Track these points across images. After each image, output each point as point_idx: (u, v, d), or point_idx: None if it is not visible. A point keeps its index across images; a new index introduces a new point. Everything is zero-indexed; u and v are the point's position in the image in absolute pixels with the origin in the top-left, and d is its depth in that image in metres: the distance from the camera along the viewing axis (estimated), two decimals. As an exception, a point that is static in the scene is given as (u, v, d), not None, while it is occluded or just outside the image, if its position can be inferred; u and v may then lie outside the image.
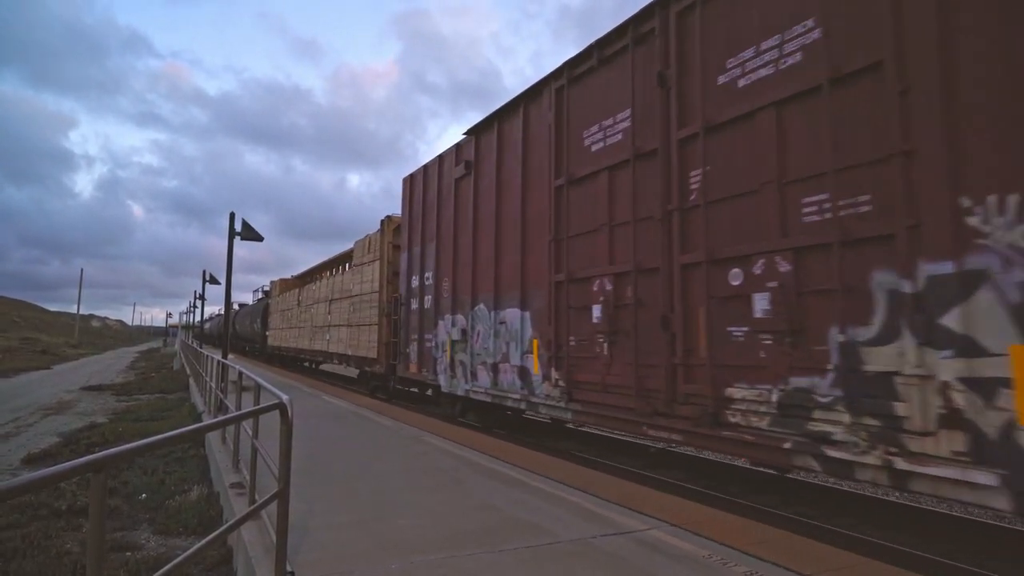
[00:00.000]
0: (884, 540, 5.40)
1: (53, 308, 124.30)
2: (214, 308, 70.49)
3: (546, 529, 4.53)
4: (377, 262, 15.19)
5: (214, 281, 25.22)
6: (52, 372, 33.80)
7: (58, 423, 14.50)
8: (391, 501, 5.24)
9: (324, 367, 28.59)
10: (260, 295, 40.76)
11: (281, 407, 3.70)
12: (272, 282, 33.15)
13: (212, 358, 11.98)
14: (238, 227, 12.62)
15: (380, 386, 15.43)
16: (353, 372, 21.97)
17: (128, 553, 5.51)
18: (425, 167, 12.19)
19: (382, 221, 15.15)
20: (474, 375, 9.72)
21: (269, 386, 4.64)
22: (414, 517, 4.77)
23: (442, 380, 10.88)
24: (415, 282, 12.37)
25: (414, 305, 12.34)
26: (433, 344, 11.29)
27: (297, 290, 26.21)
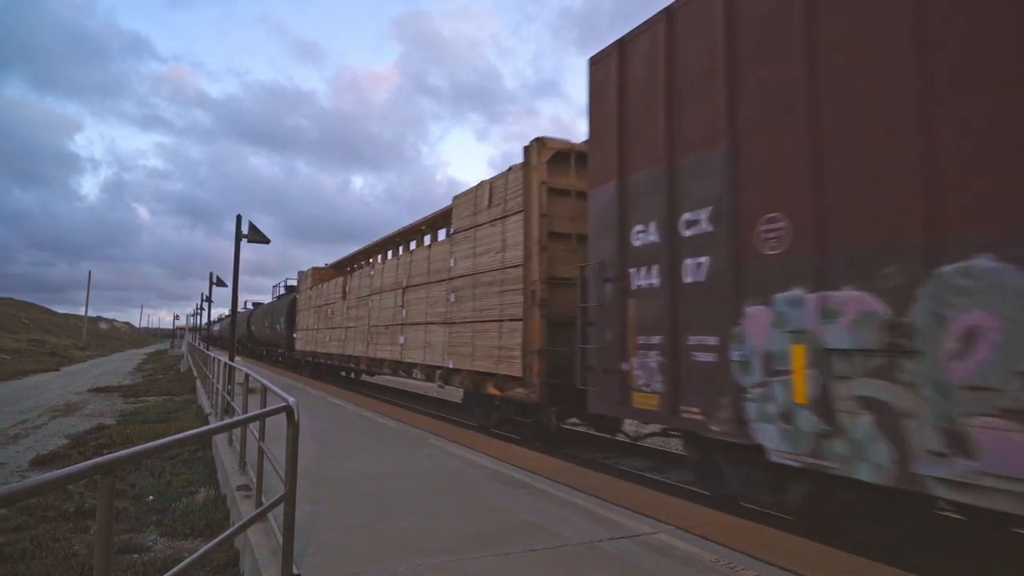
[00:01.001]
0: (896, 544, 5.06)
1: (61, 310, 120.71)
2: (225, 309, 64.48)
3: (553, 532, 4.47)
4: (518, 216, 9.28)
5: (221, 283, 22.07)
6: (60, 374, 33.58)
7: (66, 425, 14.49)
8: (397, 503, 5.16)
9: (359, 378, 23.33)
10: (282, 290, 34.15)
11: (288, 409, 3.67)
12: (301, 272, 26.81)
13: (219, 360, 11.45)
14: (245, 229, 11.79)
15: (529, 423, 9.29)
16: (429, 389, 16.33)
17: (135, 555, 5.48)
18: (669, 10, 6.28)
19: (527, 148, 9.25)
20: (960, 443, 3.76)
21: (275, 388, 4.59)
22: (421, 519, 4.70)
23: (772, 436, 4.90)
24: (642, 237, 6.47)
25: (641, 279, 6.43)
26: (735, 356, 5.25)
27: (341, 279, 20.24)
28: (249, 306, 46.18)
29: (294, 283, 30.70)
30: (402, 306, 14.03)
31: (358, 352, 17.21)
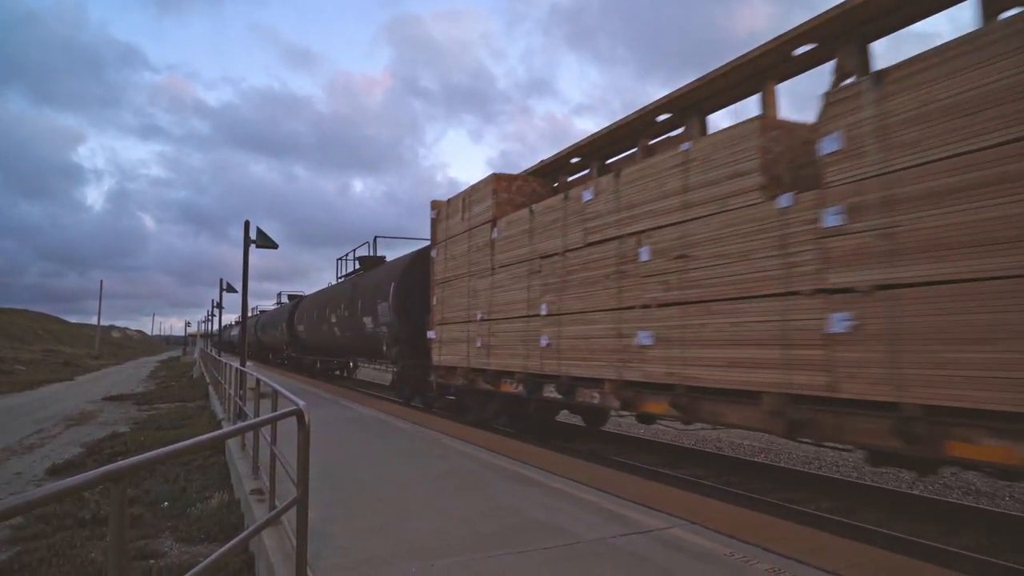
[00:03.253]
0: (910, 535, 5.40)
1: (73, 320, 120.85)
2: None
3: (567, 530, 4.46)
4: None
5: (231, 289, 22.16)
6: (74, 383, 33.59)
7: (81, 433, 14.49)
8: (411, 505, 5.16)
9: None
10: (355, 266, 21.30)
11: (298, 413, 3.64)
12: (438, 203, 12.90)
13: (231, 366, 11.35)
14: (253, 235, 11.68)
15: None
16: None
17: (151, 561, 5.53)
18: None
19: None
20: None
21: (286, 391, 4.60)
22: (434, 520, 4.70)
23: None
24: None
25: None
26: None
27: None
28: (284, 300, 37.42)
29: (373, 257, 19.75)
30: None
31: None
